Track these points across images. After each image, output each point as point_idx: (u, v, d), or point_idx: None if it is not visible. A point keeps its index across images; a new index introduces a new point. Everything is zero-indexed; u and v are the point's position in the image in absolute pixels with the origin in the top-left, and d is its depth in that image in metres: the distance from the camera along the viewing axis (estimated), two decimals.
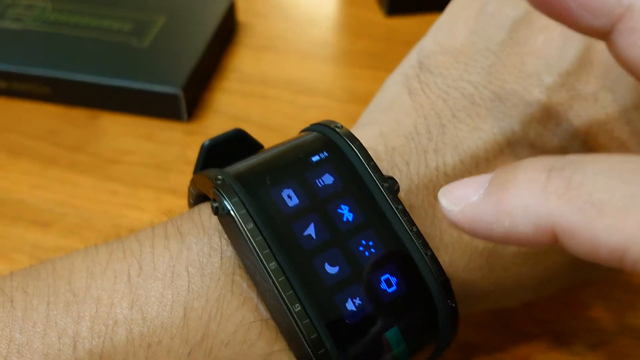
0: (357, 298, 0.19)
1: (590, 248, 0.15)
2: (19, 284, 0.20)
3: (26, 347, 0.19)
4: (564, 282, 0.26)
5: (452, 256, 0.23)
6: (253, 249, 0.19)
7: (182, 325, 0.19)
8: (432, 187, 0.23)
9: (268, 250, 0.19)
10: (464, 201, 0.17)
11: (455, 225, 0.18)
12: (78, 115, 0.40)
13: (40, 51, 0.41)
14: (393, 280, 0.20)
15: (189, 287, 0.20)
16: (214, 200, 0.20)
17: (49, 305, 0.20)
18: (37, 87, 0.40)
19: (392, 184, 0.21)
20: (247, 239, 0.19)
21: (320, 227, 0.20)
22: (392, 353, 0.20)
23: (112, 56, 0.40)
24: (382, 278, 0.20)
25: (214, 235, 0.21)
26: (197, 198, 0.23)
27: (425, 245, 0.21)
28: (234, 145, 0.23)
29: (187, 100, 0.39)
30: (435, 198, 0.22)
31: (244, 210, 0.19)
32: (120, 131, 0.39)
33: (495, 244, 0.22)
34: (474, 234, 0.17)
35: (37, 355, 0.19)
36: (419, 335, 0.20)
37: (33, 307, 0.20)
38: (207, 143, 0.23)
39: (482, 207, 0.17)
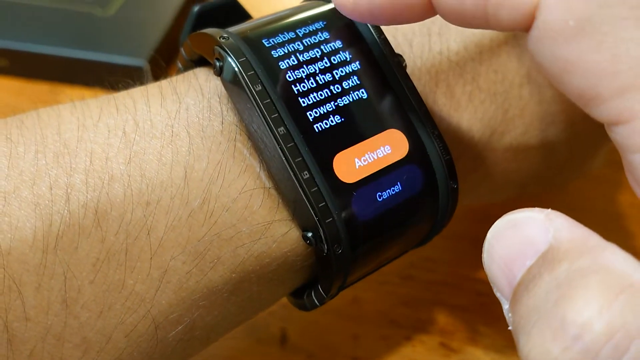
0: None
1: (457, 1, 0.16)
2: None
3: (13, 195, 0.17)
4: (547, 182, 0.27)
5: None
6: (260, 113, 0.19)
7: (183, 185, 0.19)
8: (435, 72, 0.22)
9: (277, 114, 0.19)
10: None
11: None
12: (38, 89, 0.38)
13: None
14: None
15: (189, 148, 0.19)
16: (218, 60, 0.19)
17: (37, 154, 0.18)
18: None
19: (401, 61, 0.21)
20: (254, 102, 0.19)
21: (324, 96, 0.20)
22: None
23: (74, 26, 0.39)
24: None
25: (213, 99, 0.20)
26: (188, 65, 0.22)
27: (433, 125, 0.21)
28: (224, 15, 0.22)
29: (154, 73, 0.37)
30: (437, 84, 0.22)
31: (253, 72, 0.19)
32: None
33: (490, 136, 0.23)
34: None
35: (26, 205, 0.17)
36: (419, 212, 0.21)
37: (19, 155, 0.18)
38: (196, 9, 0.22)
39: None
